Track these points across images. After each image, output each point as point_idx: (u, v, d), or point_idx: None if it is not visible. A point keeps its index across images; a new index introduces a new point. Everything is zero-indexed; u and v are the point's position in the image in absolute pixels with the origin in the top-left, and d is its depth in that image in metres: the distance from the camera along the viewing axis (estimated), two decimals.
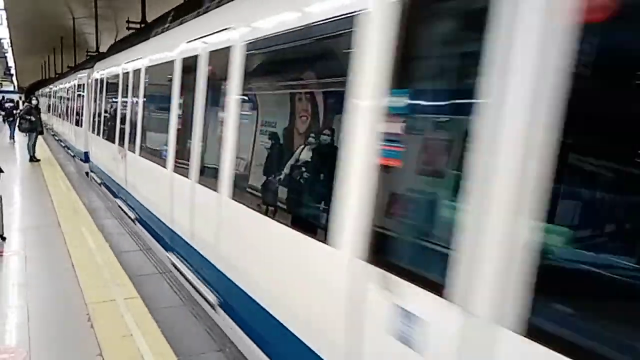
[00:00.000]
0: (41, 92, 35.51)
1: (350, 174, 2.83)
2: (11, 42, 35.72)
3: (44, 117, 19.65)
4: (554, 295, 1.85)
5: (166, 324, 4.75)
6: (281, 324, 3.54)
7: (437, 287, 2.20)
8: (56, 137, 24.26)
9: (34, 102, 17.86)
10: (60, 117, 23.59)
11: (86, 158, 14.30)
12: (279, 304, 3.63)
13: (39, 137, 16.60)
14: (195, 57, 5.61)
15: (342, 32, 2.96)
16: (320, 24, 3.25)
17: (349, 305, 2.80)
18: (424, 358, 2.30)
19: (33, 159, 15.69)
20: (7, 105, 29.89)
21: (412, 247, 2.49)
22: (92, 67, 14.98)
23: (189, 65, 5.87)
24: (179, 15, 7.58)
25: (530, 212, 1.86)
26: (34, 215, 9.04)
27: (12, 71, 57.87)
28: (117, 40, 18.43)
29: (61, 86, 23.63)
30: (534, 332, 1.80)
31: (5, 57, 45.54)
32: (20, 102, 31.78)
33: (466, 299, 2.08)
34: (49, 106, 29.19)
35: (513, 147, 1.92)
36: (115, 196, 10.08)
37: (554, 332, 1.76)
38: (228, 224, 4.57)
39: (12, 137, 22.39)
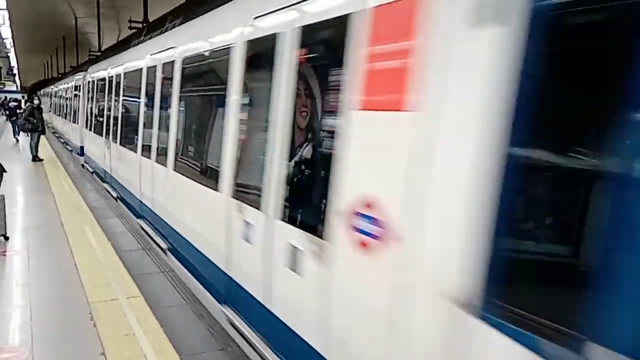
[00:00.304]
0: (43, 92, 37.38)
1: (226, 149, 4.72)
2: (14, 42, 35.77)
3: (45, 116, 20.80)
4: (296, 202, 3.62)
5: (168, 323, 4.76)
6: (196, 248, 5.50)
7: (257, 205, 3.99)
8: (56, 134, 25.62)
9: (35, 102, 17.96)
10: (59, 115, 25.21)
11: (82, 152, 16.00)
12: (197, 236, 5.55)
13: (41, 136, 16.62)
14: (155, 67, 7.55)
15: (226, 56, 4.83)
16: (217, 49, 5.17)
17: (226, 225, 4.58)
18: (253, 246, 4.08)
19: (36, 158, 15.74)
20: (10, 104, 29.98)
21: (248, 187, 4.37)
22: (87, 70, 16.62)
23: (151, 73, 7.74)
24: (150, 30, 9.83)
25: (283, 159, 3.68)
26: (37, 214, 9.06)
27: (15, 71, 58.00)
28: (118, 40, 19.19)
29: (61, 87, 25.44)
30: (288, 219, 3.59)
31: (8, 57, 45.61)
32: (23, 102, 31.79)
33: (266, 209, 3.84)
34: (50, 105, 30.89)
35: (281, 124, 3.76)
36: (103, 181, 11.87)
37: (294, 216, 3.56)
38: (171, 189, 6.49)
39: (16, 135, 22.43)
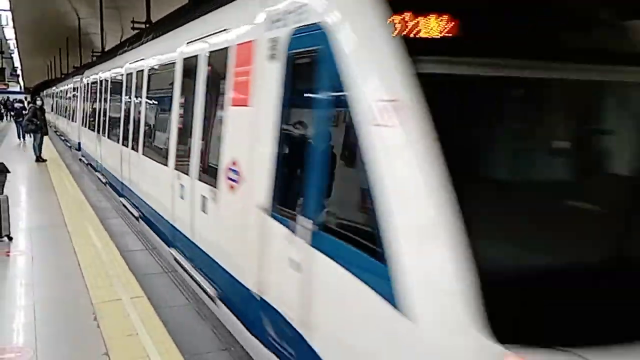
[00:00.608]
0: (46, 93, 39.33)
1: (171, 136, 6.56)
2: (17, 43, 35.85)
3: (48, 116, 22.08)
4: (204, 167, 5.24)
5: (172, 323, 4.76)
6: (155, 210, 7.28)
7: (186, 173, 5.70)
8: (57, 133, 27.18)
9: (38, 102, 18.14)
10: (60, 114, 27.75)
11: (79, 147, 17.86)
12: (155, 202, 7.34)
13: (44, 137, 16.62)
14: (130, 74, 9.67)
15: (172, 68, 6.68)
16: (167, 63, 7.08)
17: (173, 192, 6.20)
18: (184, 200, 5.72)
19: (40, 159, 15.76)
20: (16, 105, 30.07)
21: (182, 161, 5.92)
22: (83, 73, 18.56)
23: (129, 79, 9.82)
24: (130, 43, 12.13)
25: (198, 140, 5.49)
26: (41, 215, 9.09)
27: (19, 71, 58.16)
28: (121, 40, 19.64)
29: (61, 88, 27.76)
30: (200, 179, 5.29)
31: (12, 58, 45.71)
32: (25, 103, 31.86)
33: (191, 174, 5.54)
34: (52, 105, 33.04)
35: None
36: (95, 170, 13.78)
37: (204, 177, 5.23)
38: (141, 168, 8.38)
39: (22, 137, 22.39)
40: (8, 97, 41.00)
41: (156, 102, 8.17)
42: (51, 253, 6.98)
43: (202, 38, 5.64)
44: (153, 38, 9.12)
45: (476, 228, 2.35)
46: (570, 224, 2.76)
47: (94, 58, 21.52)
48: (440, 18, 2.69)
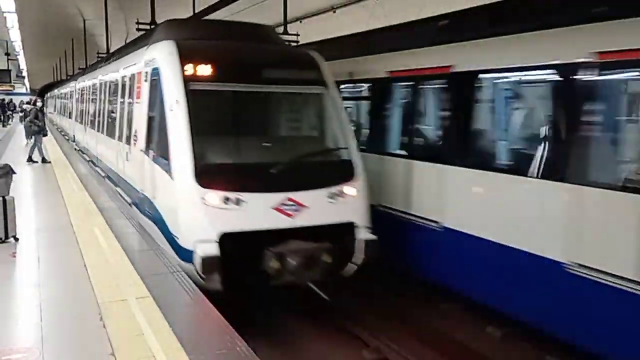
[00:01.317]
0: (49, 95, 44.54)
1: (114, 121, 11.29)
2: (23, 45, 35.99)
3: (51, 115, 30.76)
4: (127, 137, 9.72)
5: (178, 323, 4.77)
6: (114, 171, 11.22)
7: (120, 140, 10.45)
8: (58, 129, 31.54)
9: (38, 104, 18.61)
10: (59, 113, 33.48)
11: (74, 139, 22.61)
12: (114, 165, 11.17)
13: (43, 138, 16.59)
14: (100, 83, 14.40)
15: (116, 83, 11.51)
16: (114, 80, 11.91)
17: (119, 153, 10.39)
18: (121, 157, 10.32)
19: (45, 160, 15.75)
20: (24, 107, 30.20)
21: (121, 135, 10.34)
22: (76, 80, 24.01)
23: (100, 87, 14.53)
24: (101, 62, 18.25)
25: (125, 121, 10.00)
26: (47, 216, 9.12)
27: (24, 73, 58.38)
28: (126, 42, 20.62)
29: (61, 91, 33.81)
30: (127, 143, 9.61)
31: (17, 59, 45.89)
32: (25, 104, 32.07)
33: (125, 142, 9.83)
34: (54, 105, 38.86)
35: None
36: (83, 153, 18.42)
37: (128, 142, 9.62)
38: (104, 143, 12.82)
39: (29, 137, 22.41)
40: (3, 99, 40.63)
41: (111, 103, 12.48)
42: (57, 253, 7.00)
43: (127, 67, 10.16)
44: (109, 63, 14.60)
45: (199, 150, 6.58)
46: (244, 150, 7.17)
47: (99, 59, 23.28)
48: (198, 66, 6.93)
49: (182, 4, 17.93)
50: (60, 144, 21.87)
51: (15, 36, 30.40)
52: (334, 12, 19.09)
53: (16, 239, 7.36)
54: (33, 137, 16.21)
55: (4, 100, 40.09)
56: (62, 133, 28.17)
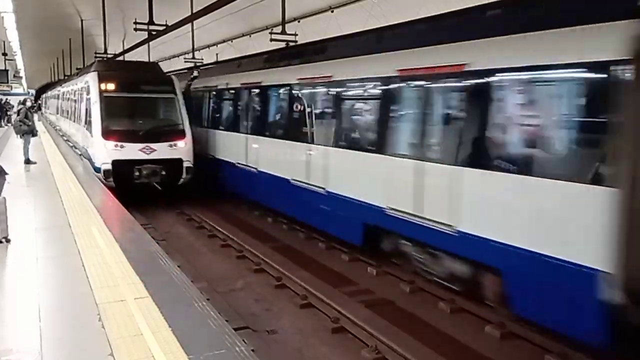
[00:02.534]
0: (44, 95, 51.69)
1: (78, 114, 18.66)
2: (20, 45, 35.93)
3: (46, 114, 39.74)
4: (85, 127, 16.99)
5: (176, 324, 4.76)
6: (76, 143, 19.29)
7: (81, 125, 17.38)
8: (50, 124, 36.47)
9: (28, 103, 19.07)
10: (50, 112, 40.32)
11: (61, 130, 27.96)
12: (76, 141, 19.21)
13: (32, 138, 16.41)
14: (69, 90, 23.73)
15: (76, 92, 19.96)
16: (74, 90, 21.09)
17: (84, 136, 16.67)
18: (79, 134, 18.33)
19: (29, 161, 15.32)
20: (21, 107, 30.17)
21: (79, 121, 18.40)
22: (61, 85, 31.41)
23: (70, 93, 23.17)
24: (72, 76, 28.68)
25: (90, 114, 15.52)
26: (45, 216, 9.10)
27: (22, 73, 58.25)
28: (123, 42, 20.58)
29: (51, 93, 40.67)
30: (89, 130, 16.15)
31: (15, 60, 45.78)
32: (15, 105, 32.10)
33: (84, 127, 16.68)
34: (47, 104, 45.84)
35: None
36: (64, 137, 24.23)
37: (89, 129, 15.65)
38: (74, 130, 19.97)
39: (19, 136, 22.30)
40: (1, 99, 40.48)
41: (70, 102, 21.43)
42: (56, 254, 6.99)
43: (77, 83, 19.43)
44: (71, 80, 24.48)
45: (104, 123, 14.09)
46: (127, 123, 14.59)
47: (96, 59, 23.84)
48: (107, 84, 14.52)
49: (180, 3, 17.92)
50: (58, 144, 21.86)
51: (12, 36, 30.34)
52: (332, 12, 19.09)
53: (7, 241, 7.30)
54: (23, 137, 15.90)
55: (1, 100, 39.97)
56: (53, 126, 34.10)
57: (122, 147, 13.71)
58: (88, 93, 15.22)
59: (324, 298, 7.79)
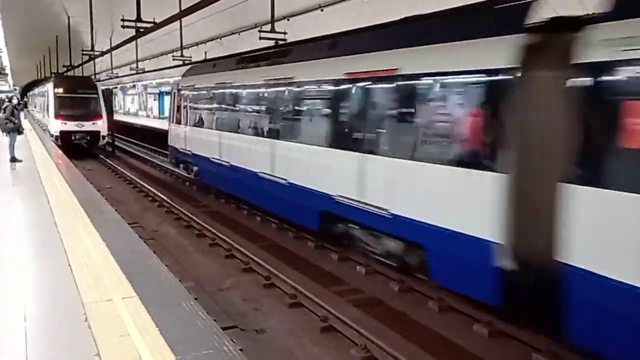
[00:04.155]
0: (29, 93, 55.53)
1: (47, 108, 28.54)
2: (6, 42, 35.56)
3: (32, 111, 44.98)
4: (52, 116, 27.07)
5: (164, 323, 4.71)
6: (46, 126, 29.64)
7: (46, 115, 29.91)
8: (34, 119, 41.15)
9: (14, 100, 20.13)
10: (33, 108, 46.40)
11: (42, 123, 32.88)
12: (46, 124, 29.93)
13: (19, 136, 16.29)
14: (40, 90, 38.22)
15: (44, 92, 33.00)
16: (40, 91, 37.58)
17: (53, 123, 25.78)
18: (46, 119, 29.90)
19: (15, 159, 15.14)
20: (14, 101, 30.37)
21: (45, 112, 30.65)
22: (37, 85, 41.06)
23: (37, 93, 42.53)
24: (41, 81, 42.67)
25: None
26: (31, 215, 8.99)
27: (7, 70, 57.63)
28: (110, 38, 20.19)
29: (37, 90, 44.56)
30: (45, 114, 32.85)
31: (0, 57, 45.28)
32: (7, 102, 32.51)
33: (45, 115, 30.28)
34: (32, 102, 50.69)
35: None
36: (42, 126, 31.63)
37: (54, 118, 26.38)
38: (49, 119, 27.25)
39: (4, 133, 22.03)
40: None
41: (42, 98, 32.58)
42: (41, 253, 6.90)
43: (42, 87, 35.34)
44: (42, 82, 39.20)
45: (56, 111, 25.01)
46: (69, 111, 25.13)
47: (84, 57, 28.58)
48: (58, 89, 25.40)
49: (168, 1, 17.79)
50: (45, 143, 21.66)
51: None
52: (322, 10, 19.07)
53: None
54: (9, 134, 15.67)
55: None
56: (37, 121, 38.54)
57: (65, 123, 24.38)
58: (48, 94, 26.87)
59: (313, 297, 7.77)
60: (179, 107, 17.99)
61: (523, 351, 6.50)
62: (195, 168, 16.68)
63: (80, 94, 25.26)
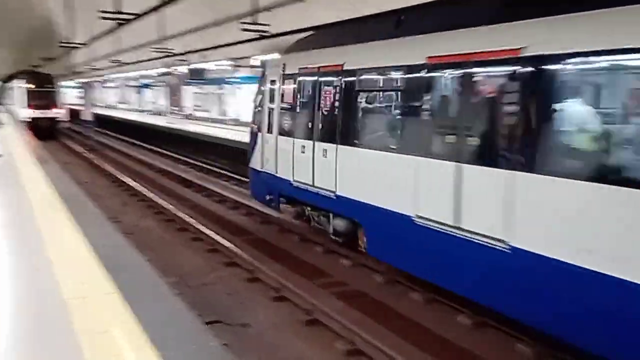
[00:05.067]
0: (8, 86, 53.05)
1: (18, 100, 36.06)
2: None
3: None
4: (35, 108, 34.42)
5: (145, 319, 4.64)
6: (20, 115, 34.60)
7: (24, 107, 35.13)
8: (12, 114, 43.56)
9: None
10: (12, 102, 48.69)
11: (20, 116, 34.82)
12: (15, 111, 36.50)
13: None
14: (15, 86, 40.50)
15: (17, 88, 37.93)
16: (18, 86, 38.76)
17: (19, 110, 34.95)
18: (26, 110, 34.65)
19: None
20: None
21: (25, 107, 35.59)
22: (12, 80, 41.36)
23: (13, 89, 42.31)
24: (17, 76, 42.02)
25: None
26: (10, 210, 8.84)
27: None
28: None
29: (13, 86, 46.90)
30: (35, 109, 35.43)
31: None
32: None
33: (24, 107, 35.07)
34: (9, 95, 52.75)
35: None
36: (20, 119, 33.09)
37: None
38: (28, 110, 33.09)
39: None
40: None
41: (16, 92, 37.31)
42: (20, 249, 6.78)
43: (18, 82, 37.20)
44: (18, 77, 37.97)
45: (27, 103, 32.99)
46: (35, 102, 33.49)
47: (24, 72, 36.23)
48: (29, 84, 33.21)
49: None
50: (23, 136, 21.33)
51: None
52: (304, 1, 18.93)
53: None
54: None
55: None
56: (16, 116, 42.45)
57: (34, 112, 31.74)
58: (23, 90, 33.31)
59: (298, 290, 7.76)
60: (290, 107, 10.56)
61: (507, 341, 6.55)
62: (345, 224, 9.17)
63: (44, 88, 32.99)
